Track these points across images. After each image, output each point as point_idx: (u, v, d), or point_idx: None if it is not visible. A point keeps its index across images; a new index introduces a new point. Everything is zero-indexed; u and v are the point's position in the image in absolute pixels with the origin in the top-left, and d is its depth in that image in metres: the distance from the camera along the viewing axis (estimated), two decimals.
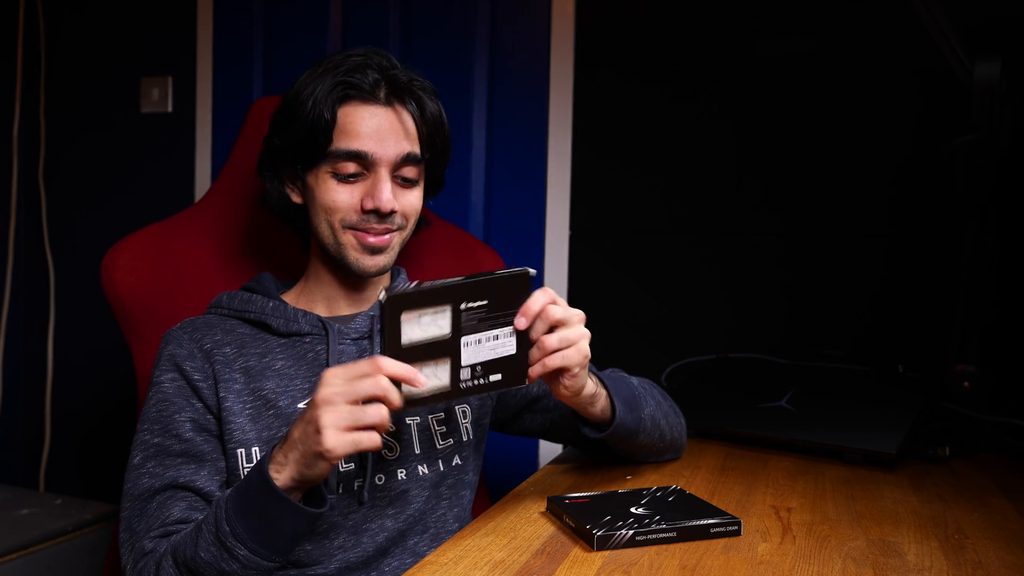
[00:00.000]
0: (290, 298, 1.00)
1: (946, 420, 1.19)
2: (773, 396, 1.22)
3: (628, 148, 1.60)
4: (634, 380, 0.98)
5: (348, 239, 0.92)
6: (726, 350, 1.51)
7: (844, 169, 1.45)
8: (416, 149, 0.93)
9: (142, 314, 1.11)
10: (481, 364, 0.79)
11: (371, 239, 0.92)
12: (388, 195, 0.90)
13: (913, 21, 1.21)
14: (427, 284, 0.76)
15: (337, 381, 0.72)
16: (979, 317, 1.17)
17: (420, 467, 0.94)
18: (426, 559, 0.73)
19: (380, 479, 0.92)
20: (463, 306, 0.78)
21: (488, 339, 0.79)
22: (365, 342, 0.96)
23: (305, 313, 0.95)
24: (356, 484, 0.91)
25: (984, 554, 0.76)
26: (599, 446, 0.99)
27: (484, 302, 0.78)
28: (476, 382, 0.79)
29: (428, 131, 0.95)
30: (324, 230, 0.93)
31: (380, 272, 0.96)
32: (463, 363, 0.79)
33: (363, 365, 0.72)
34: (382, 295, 0.74)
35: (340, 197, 0.91)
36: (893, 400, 1.17)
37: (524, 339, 0.81)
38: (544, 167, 1.66)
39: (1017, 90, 1.18)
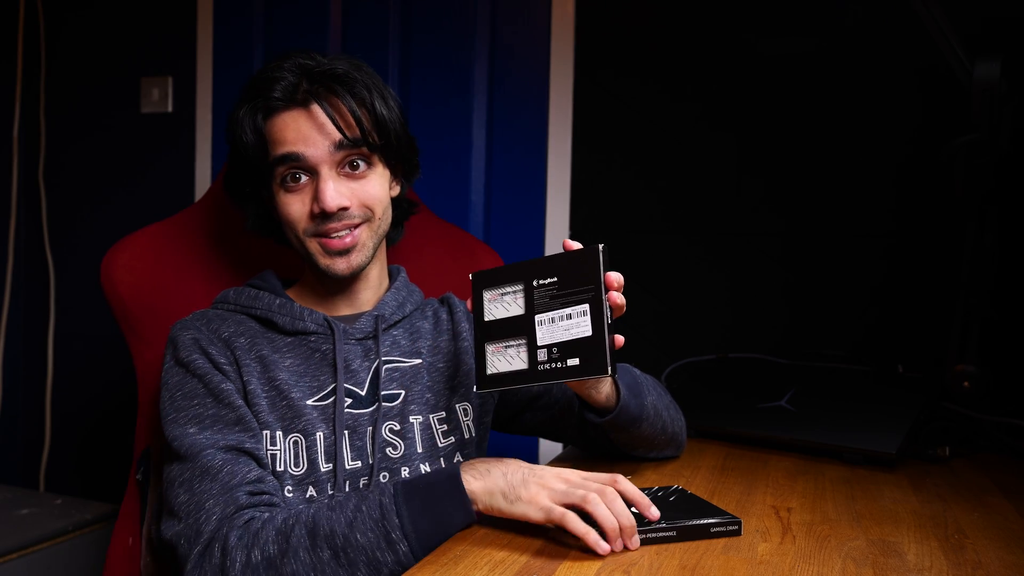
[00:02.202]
0: (293, 295, 1.02)
1: (946, 420, 1.19)
2: (773, 396, 1.22)
3: (628, 148, 1.60)
4: (635, 371, 0.99)
5: (313, 247, 0.93)
6: (726, 350, 1.51)
7: (844, 169, 1.45)
8: (354, 133, 0.91)
9: (142, 314, 1.11)
10: (557, 346, 0.78)
11: (333, 242, 0.92)
12: (331, 193, 0.90)
13: (913, 21, 1.21)
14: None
15: (576, 479, 0.76)
16: (979, 317, 1.17)
17: (423, 465, 0.95)
18: (426, 559, 0.73)
19: (385, 477, 0.93)
20: (535, 283, 0.79)
21: (561, 318, 0.79)
22: (370, 342, 0.97)
23: (311, 311, 0.96)
24: (362, 482, 0.92)
25: (984, 554, 0.76)
26: (600, 439, 0.99)
27: (555, 278, 0.78)
28: (553, 365, 0.78)
29: (368, 114, 0.93)
30: (293, 242, 0.95)
31: (355, 271, 0.95)
32: (539, 343, 0.79)
33: (604, 477, 0.77)
34: (471, 274, 0.80)
35: (292, 208, 0.92)
36: (893, 400, 1.17)
37: (598, 321, 0.77)
38: (544, 167, 1.66)
39: (1017, 90, 1.18)
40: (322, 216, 0.91)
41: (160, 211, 1.37)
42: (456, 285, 1.23)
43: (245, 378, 0.91)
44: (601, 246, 0.78)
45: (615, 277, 0.79)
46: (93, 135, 2.06)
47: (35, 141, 2.11)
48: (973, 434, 1.16)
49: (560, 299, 0.78)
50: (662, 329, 1.58)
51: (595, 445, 1.03)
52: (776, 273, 1.50)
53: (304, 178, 0.92)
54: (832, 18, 1.45)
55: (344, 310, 1.01)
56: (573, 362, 0.77)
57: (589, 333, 0.77)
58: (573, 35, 1.62)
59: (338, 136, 0.90)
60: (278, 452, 0.90)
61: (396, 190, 1.02)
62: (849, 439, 1.08)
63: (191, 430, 0.86)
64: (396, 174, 1.01)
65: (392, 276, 1.07)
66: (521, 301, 0.79)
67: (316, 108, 0.90)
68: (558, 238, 1.64)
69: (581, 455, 1.09)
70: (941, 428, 1.17)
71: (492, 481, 0.77)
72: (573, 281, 0.78)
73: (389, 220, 0.99)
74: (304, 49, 0.95)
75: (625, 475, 0.99)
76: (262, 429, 0.89)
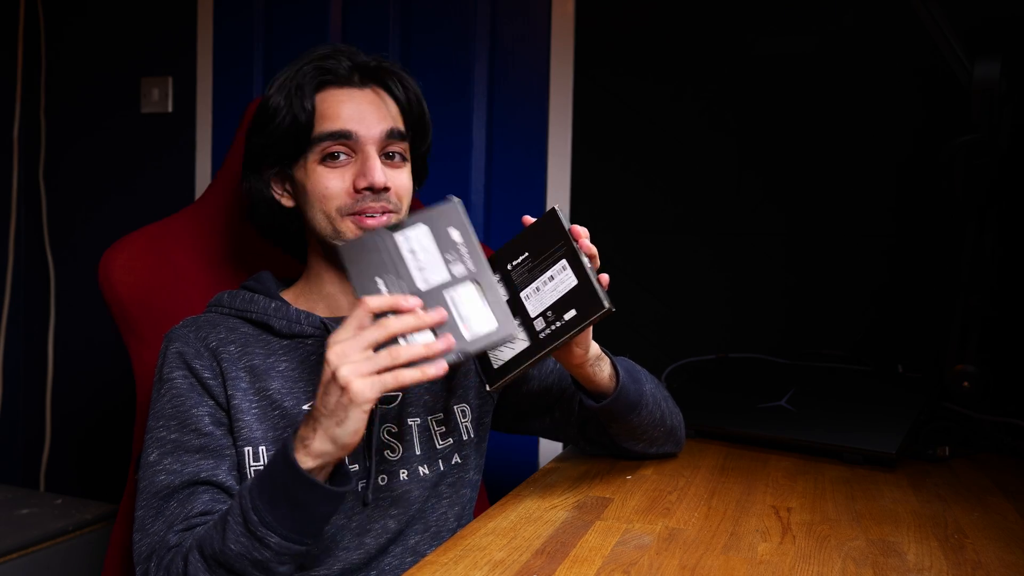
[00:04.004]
0: (290, 297, 0.99)
1: (946, 420, 1.19)
2: (773, 396, 1.22)
3: (628, 148, 1.60)
4: (632, 362, 1.00)
5: (347, 226, 0.90)
6: (726, 350, 1.51)
7: (844, 169, 1.45)
8: (400, 125, 0.93)
9: (140, 314, 1.11)
10: (550, 308, 0.79)
11: (369, 221, 0.89)
12: (379, 171, 0.89)
13: (913, 21, 1.21)
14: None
15: (343, 336, 0.72)
16: (979, 317, 1.17)
17: (421, 468, 0.94)
18: (426, 559, 0.73)
19: (383, 480, 0.92)
20: (509, 267, 0.81)
21: (544, 283, 0.80)
22: None
23: (308, 315, 0.93)
24: (360, 485, 0.91)
25: (984, 554, 0.76)
26: (600, 436, 1.00)
27: (525, 254, 0.81)
28: (553, 327, 0.79)
29: (408, 108, 0.96)
30: (321, 222, 0.91)
31: None
32: (532, 315, 0.80)
33: (357, 312, 0.73)
34: None
35: (332, 183, 0.90)
36: (893, 400, 1.17)
37: (579, 268, 0.79)
38: (544, 167, 1.66)
39: (1017, 90, 1.18)
40: (367, 191, 0.89)
41: (160, 211, 1.37)
42: None
43: (230, 392, 0.88)
44: (556, 206, 0.81)
45: (580, 229, 0.81)
46: (93, 135, 2.06)
47: (35, 141, 2.11)
48: (973, 434, 1.16)
49: (537, 268, 0.80)
50: (662, 329, 1.57)
51: (596, 444, 1.03)
52: (776, 273, 1.50)
53: (345, 157, 0.90)
54: (832, 18, 1.45)
55: (347, 309, 0.98)
56: (570, 315, 0.78)
57: (575, 282, 0.79)
58: (573, 35, 1.62)
59: (391, 124, 0.92)
60: (261, 467, 0.87)
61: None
62: (849, 439, 1.08)
63: (152, 455, 0.86)
64: (415, 176, 1.01)
65: None
66: (502, 289, 0.79)
67: (374, 91, 0.93)
68: None
69: (581, 453, 1.09)
70: (941, 428, 1.17)
71: (320, 434, 0.73)
72: (542, 248, 0.81)
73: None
74: (339, 44, 0.96)
75: (626, 475, 0.99)
76: (245, 446, 0.87)
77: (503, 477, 1.51)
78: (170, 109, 1.96)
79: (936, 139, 1.36)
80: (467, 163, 1.72)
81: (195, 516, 0.82)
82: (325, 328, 0.93)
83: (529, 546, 0.76)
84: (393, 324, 0.72)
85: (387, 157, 0.92)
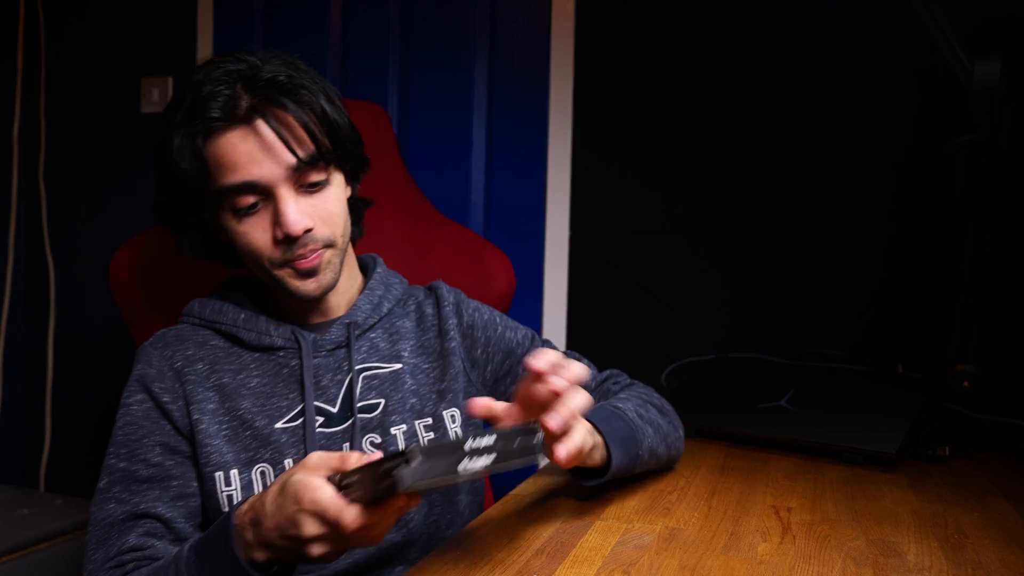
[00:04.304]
0: (263, 304, 0.95)
1: (946, 420, 1.19)
2: (773, 396, 1.22)
3: (628, 148, 1.60)
4: (630, 404, 0.90)
5: (283, 273, 0.85)
6: (726, 350, 1.51)
7: (844, 169, 1.45)
8: (308, 149, 0.82)
9: (151, 313, 1.11)
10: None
11: (302, 263, 0.84)
12: (293, 216, 0.81)
13: (913, 21, 1.21)
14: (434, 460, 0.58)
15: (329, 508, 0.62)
16: (979, 317, 1.17)
17: None
18: (425, 560, 0.73)
19: None
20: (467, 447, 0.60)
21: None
22: (342, 351, 0.91)
23: (278, 325, 0.89)
24: None
25: (984, 554, 0.76)
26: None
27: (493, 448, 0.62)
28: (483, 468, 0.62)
29: (319, 123, 0.84)
30: (259, 273, 0.87)
31: (326, 291, 0.88)
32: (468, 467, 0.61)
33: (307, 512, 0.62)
34: (405, 482, 0.56)
35: (254, 238, 0.83)
36: (893, 400, 1.17)
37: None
38: (544, 167, 1.66)
39: (1017, 90, 1.18)
40: (287, 242, 0.83)
41: None
42: (463, 286, 1.23)
43: (195, 416, 0.84)
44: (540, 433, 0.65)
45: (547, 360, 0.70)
46: (93, 135, 2.06)
47: (35, 141, 2.11)
48: (973, 434, 1.16)
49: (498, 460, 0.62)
50: (662, 329, 1.57)
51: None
52: (776, 273, 1.50)
53: (258, 202, 0.82)
54: (832, 18, 1.45)
55: (315, 318, 0.94)
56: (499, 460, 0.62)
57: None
58: (573, 35, 1.62)
59: (293, 159, 0.81)
60: (234, 491, 0.83)
61: (348, 191, 0.93)
62: (849, 439, 1.08)
63: (103, 482, 0.84)
64: (349, 176, 0.92)
65: (367, 269, 1.00)
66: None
67: (262, 126, 0.80)
68: (558, 238, 1.64)
69: None
70: (941, 428, 1.17)
71: (266, 549, 0.66)
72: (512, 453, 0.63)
73: (349, 229, 0.91)
74: (230, 53, 0.84)
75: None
76: (213, 471, 0.83)
77: (503, 476, 1.51)
78: None
79: (936, 139, 1.36)
80: (467, 164, 1.72)
81: (126, 552, 0.79)
82: (296, 340, 0.89)
83: (529, 546, 0.76)
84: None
85: (308, 185, 0.84)
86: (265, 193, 0.82)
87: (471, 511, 0.99)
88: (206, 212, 0.86)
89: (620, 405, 0.89)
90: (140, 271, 1.11)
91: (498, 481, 1.45)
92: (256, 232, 0.83)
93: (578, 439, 0.71)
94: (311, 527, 0.62)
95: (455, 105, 1.72)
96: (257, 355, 0.89)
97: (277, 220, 0.82)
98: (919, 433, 1.13)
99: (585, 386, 0.85)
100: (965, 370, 1.17)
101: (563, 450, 0.70)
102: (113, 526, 0.81)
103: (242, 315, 0.90)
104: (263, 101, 0.81)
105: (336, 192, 0.87)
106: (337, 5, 1.81)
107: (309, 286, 0.86)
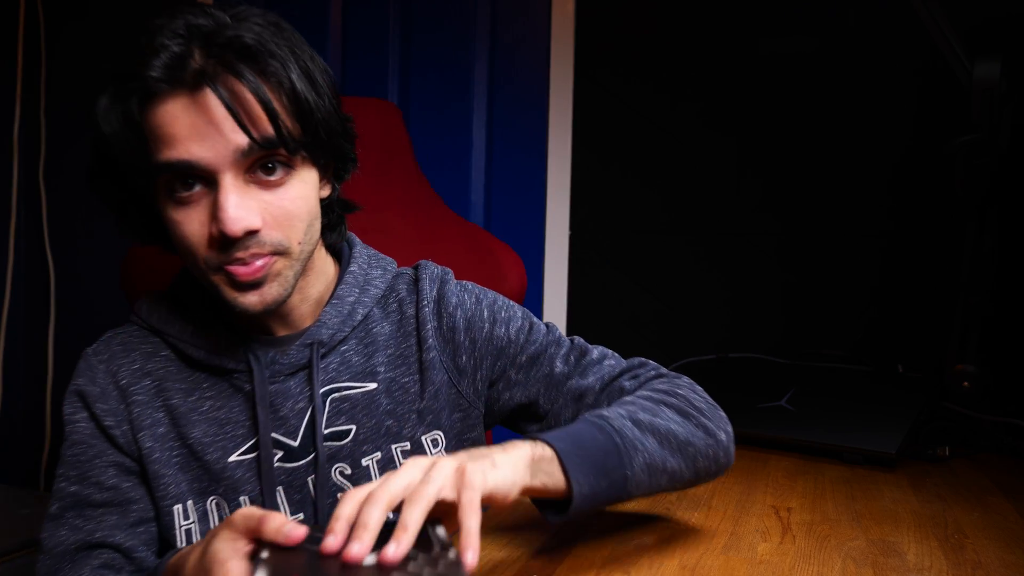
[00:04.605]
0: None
1: (946, 420, 1.19)
2: (773, 396, 1.22)
3: (628, 148, 1.60)
4: (627, 409, 0.72)
5: (219, 280, 0.70)
6: (726, 350, 1.51)
7: (844, 169, 1.45)
8: (265, 131, 0.66)
9: None
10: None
11: (239, 269, 0.68)
12: (233, 211, 0.65)
13: (913, 21, 1.21)
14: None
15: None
16: (979, 317, 1.17)
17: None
18: None
19: None
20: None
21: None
22: (302, 374, 0.77)
23: (228, 343, 0.76)
24: None
25: (984, 554, 0.76)
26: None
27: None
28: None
29: (287, 100, 0.67)
30: (195, 273, 0.72)
31: (271, 308, 0.71)
32: None
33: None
34: None
35: (188, 230, 0.68)
36: (893, 400, 1.17)
37: None
38: (544, 167, 1.66)
39: (1017, 90, 1.18)
40: (223, 242, 0.67)
41: None
42: None
43: (145, 445, 0.74)
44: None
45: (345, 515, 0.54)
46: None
47: (35, 141, 2.11)
48: (973, 434, 1.16)
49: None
50: (662, 329, 1.57)
51: None
52: (776, 273, 1.50)
53: (199, 187, 0.67)
54: (832, 18, 1.45)
55: (279, 328, 0.79)
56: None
57: None
58: (573, 35, 1.62)
59: (243, 140, 0.65)
60: (193, 525, 0.75)
61: (326, 191, 0.77)
62: (849, 439, 1.08)
63: (54, 507, 0.75)
64: (327, 170, 0.76)
65: (342, 258, 0.84)
66: None
67: (210, 96, 0.64)
68: (558, 238, 1.64)
69: None
70: (941, 428, 1.17)
71: None
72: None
73: (316, 236, 0.74)
74: (207, 5, 0.69)
75: None
76: (172, 504, 0.74)
77: None
78: None
79: (936, 139, 1.36)
80: (467, 164, 1.72)
81: None
82: (248, 366, 0.76)
83: (529, 546, 0.76)
84: None
85: (263, 170, 0.68)
86: (207, 179, 0.66)
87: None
88: (141, 188, 0.71)
89: (607, 413, 0.70)
90: (152, 272, 1.10)
91: None
92: (191, 225, 0.68)
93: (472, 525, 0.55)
94: None
95: (455, 105, 1.72)
96: (212, 376, 0.77)
97: (215, 214, 0.66)
98: (919, 433, 1.13)
99: (587, 388, 0.81)
100: (965, 370, 1.17)
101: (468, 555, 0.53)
102: (65, 556, 0.72)
103: (190, 327, 0.77)
104: (218, 65, 0.65)
105: (299, 189, 0.70)
106: (337, 5, 1.81)
107: (250, 299, 0.70)
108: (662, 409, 0.74)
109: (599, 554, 0.73)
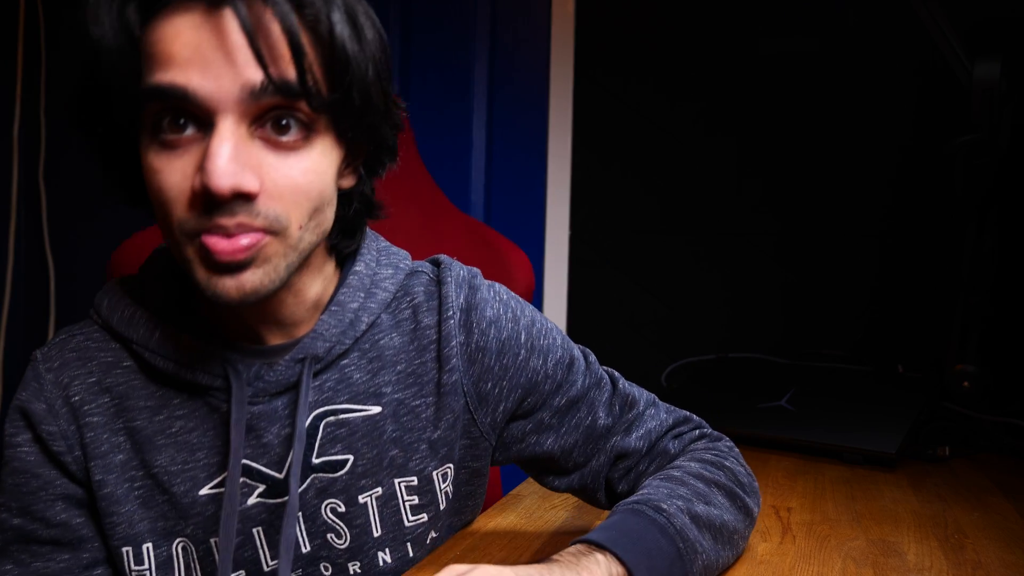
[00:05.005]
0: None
1: (946, 420, 1.19)
2: (773, 396, 1.22)
3: (628, 148, 1.60)
4: (681, 501, 0.63)
5: (192, 254, 0.55)
6: (726, 350, 1.51)
7: (844, 169, 1.45)
8: (285, 73, 0.52)
9: None
10: None
11: (217, 243, 0.53)
12: (223, 163, 0.51)
13: (913, 21, 1.21)
14: None
15: None
16: (979, 317, 1.17)
17: (381, 554, 0.68)
18: (425, 560, 0.73)
19: (327, 569, 0.67)
20: None
21: None
22: (286, 397, 0.64)
23: (203, 354, 0.62)
24: None
25: (984, 554, 0.76)
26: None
27: None
28: None
29: (320, 42, 0.54)
30: (169, 244, 0.57)
31: (250, 299, 0.56)
32: None
33: None
34: None
35: (169, 181, 0.54)
36: (893, 400, 1.17)
37: None
38: (544, 167, 1.66)
39: (1017, 90, 1.18)
40: (205, 202, 0.53)
41: None
42: None
43: (97, 476, 0.62)
44: None
45: None
46: None
47: (35, 141, 2.11)
48: (973, 434, 1.16)
49: None
50: (662, 329, 1.57)
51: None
52: (776, 273, 1.50)
53: (191, 129, 0.53)
54: (832, 18, 1.45)
55: (269, 335, 0.65)
56: None
57: None
58: (573, 35, 1.62)
59: (257, 76, 0.52)
60: (147, 571, 0.63)
61: (350, 180, 0.63)
62: (849, 439, 1.08)
63: None
64: (356, 156, 0.62)
65: (336, 264, 0.69)
66: None
67: (230, 17, 0.51)
68: (558, 238, 1.64)
69: None
70: (941, 428, 1.17)
71: None
72: None
73: (324, 228, 0.60)
74: None
75: None
76: (121, 545, 0.63)
77: (503, 477, 1.51)
78: None
79: (936, 139, 1.36)
80: (467, 164, 1.72)
81: None
82: (227, 383, 0.62)
83: (529, 546, 0.76)
84: None
85: (274, 126, 0.54)
86: (202, 120, 0.53)
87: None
88: (125, 125, 0.57)
89: (666, 506, 0.62)
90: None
91: (498, 480, 1.45)
92: (173, 175, 0.53)
93: None
94: None
95: (455, 105, 1.72)
96: (185, 393, 0.64)
97: (202, 164, 0.52)
98: (919, 433, 1.13)
99: (633, 450, 0.72)
100: (965, 370, 1.17)
101: None
102: None
103: (158, 332, 0.63)
104: None
105: (315, 162, 0.56)
106: None
107: (225, 284, 0.54)
108: (714, 493, 0.67)
109: None
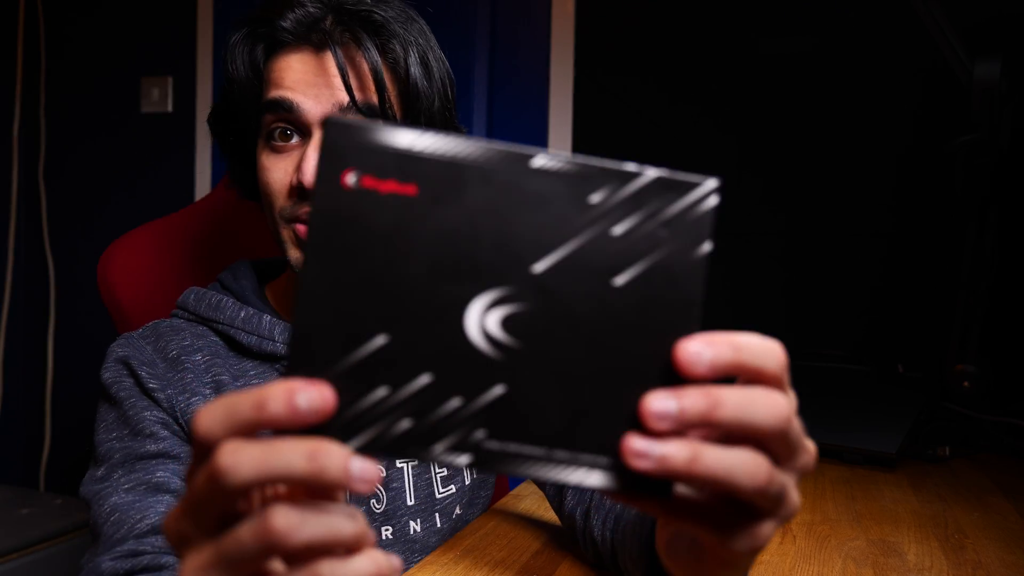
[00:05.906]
0: (276, 292, 0.83)
1: (946, 420, 1.19)
2: None
3: (628, 148, 1.60)
4: None
5: (287, 234, 0.72)
6: None
7: (844, 169, 1.45)
8: (366, 98, 0.70)
9: (139, 314, 1.11)
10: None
11: (304, 228, 0.70)
12: (315, 162, 0.61)
13: (913, 21, 1.21)
14: None
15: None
16: (979, 317, 1.17)
17: (412, 523, 0.77)
18: (426, 560, 0.73)
19: None
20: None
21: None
22: None
23: (284, 328, 0.75)
24: None
25: (984, 554, 0.76)
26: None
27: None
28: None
29: (397, 78, 0.71)
30: (271, 226, 0.74)
31: None
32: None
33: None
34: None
35: (272, 176, 0.72)
36: (893, 400, 1.17)
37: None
38: None
39: (1017, 90, 1.18)
40: (301, 193, 0.70)
41: (160, 211, 1.37)
42: None
43: (192, 408, 0.70)
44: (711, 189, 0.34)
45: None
46: (93, 135, 2.06)
47: (35, 141, 2.11)
48: (973, 434, 1.16)
49: None
50: None
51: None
52: (776, 273, 1.50)
53: (296, 139, 0.71)
54: (832, 18, 1.45)
55: None
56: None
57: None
58: (573, 35, 1.62)
59: (346, 98, 0.69)
60: None
61: None
62: (849, 439, 1.08)
63: (100, 470, 0.70)
64: None
65: None
66: None
67: (329, 58, 0.70)
68: None
69: None
70: (941, 428, 1.17)
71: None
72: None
73: None
74: None
75: None
76: None
77: (504, 477, 1.51)
78: (170, 109, 1.96)
79: (936, 139, 1.36)
80: None
81: (145, 534, 0.63)
82: None
83: (529, 546, 0.76)
84: None
85: None
86: (304, 131, 0.70)
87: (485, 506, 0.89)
88: (249, 137, 0.76)
89: None
90: (127, 272, 1.09)
91: (498, 480, 1.45)
92: (277, 171, 0.71)
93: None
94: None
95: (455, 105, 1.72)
96: (258, 362, 0.76)
97: (300, 164, 0.69)
98: (919, 433, 1.13)
99: None
100: (965, 370, 1.17)
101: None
102: (119, 508, 0.65)
103: (242, 313, 0.76)
104: (345, 32, 0.70)
105: None
106: None
107: None
108: None
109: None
